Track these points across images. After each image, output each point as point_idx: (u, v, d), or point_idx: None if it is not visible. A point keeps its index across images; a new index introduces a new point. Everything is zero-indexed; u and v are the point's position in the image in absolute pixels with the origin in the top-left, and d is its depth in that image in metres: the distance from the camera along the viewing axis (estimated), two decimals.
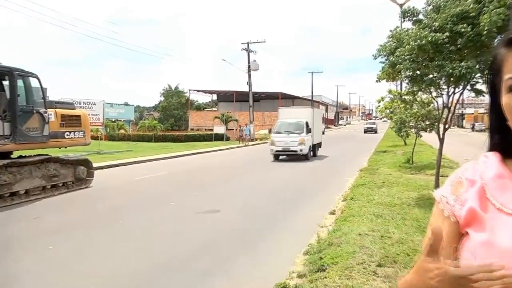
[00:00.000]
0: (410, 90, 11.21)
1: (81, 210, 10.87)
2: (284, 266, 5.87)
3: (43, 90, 12.47)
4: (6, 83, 11.98)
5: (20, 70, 11.79)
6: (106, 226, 9.01)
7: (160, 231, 8.50)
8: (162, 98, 79.52)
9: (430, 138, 20.65)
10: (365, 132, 59.20)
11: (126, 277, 5.88)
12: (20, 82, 11.74)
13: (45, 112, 12.36)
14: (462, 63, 8.48)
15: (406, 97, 13.23)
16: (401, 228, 7.25)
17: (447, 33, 8.50)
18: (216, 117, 48.55)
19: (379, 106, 22.76)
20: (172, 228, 8.70)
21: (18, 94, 11.59)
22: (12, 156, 11.94)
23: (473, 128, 65.96)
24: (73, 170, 13.39)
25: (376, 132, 57.63)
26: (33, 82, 12.18)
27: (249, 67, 46.15)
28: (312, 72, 77.64)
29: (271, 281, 5.26)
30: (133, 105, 71.84)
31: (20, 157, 12.07)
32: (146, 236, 8.13)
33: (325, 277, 5.16)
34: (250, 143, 39.96)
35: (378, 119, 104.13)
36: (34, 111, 12.04)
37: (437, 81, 9.81)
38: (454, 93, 10.19)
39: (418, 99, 12.62)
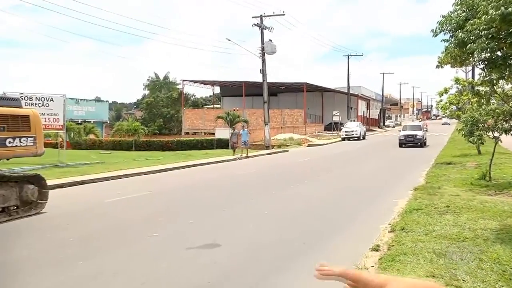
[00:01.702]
0: (487, 78, 10.84)
1: (28, 245, 10.67)
2: None
3: None
4: None
5: None
6: (63, 268, 8.76)
7: (136, 275, 8.29)
8: (147, 92, 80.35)
9: None
10: (400, 145, 43.48)
11: None
12: None
13: None
14: None
15: (480, 88, 12.89)
16: (475, 274, 7.00)
17: None
18: (219, 117, 48.60)
19: (441, 100, 22.37)
20: (154, 270, 8.51)
21: None
22: None
23: None
24: (17, 190, 13.24)
25: (421, 144, 43.72)
26: None
27: (262, 48, 45.97)
28: (348, 55, 77.52)
29: None
30: (107, 101, 72.42)
31: None
32: (116, 284, 7.93)
33: None
34: (252, 153, 38.81)
35: (439, 118, 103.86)
36: None
37: None
38: None
39: (499, 90, 12.24)
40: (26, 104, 17.66)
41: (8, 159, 13.86)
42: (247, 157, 35.04)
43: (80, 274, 8.50)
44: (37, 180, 13.95)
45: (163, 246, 10.21)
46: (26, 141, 13.86)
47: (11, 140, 13.33)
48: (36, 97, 27.19)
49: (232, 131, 36.49)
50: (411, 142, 42.73)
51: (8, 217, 12.75)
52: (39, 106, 24.95)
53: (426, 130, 59.59)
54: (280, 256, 9.42)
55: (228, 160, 32.98)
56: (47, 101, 28.26)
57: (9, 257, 9.92)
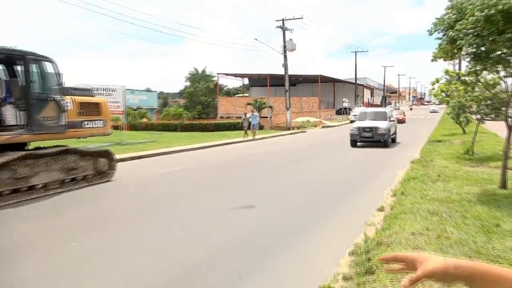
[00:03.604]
0: (472, 69, 10.85)
1: (103, 205, 11.10)
2: (328, 268, 5.86)
3: (59, 76, 12.62)
4: (19, 68, 12.21)
5: (33, 54, 11.99)
6: (130, 223, 9.17)
7: (190, 228, 8.59)
8: (188, 83, 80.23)
9: (494, 126, 20.14)
10: (353, 144, 24.60)
11: (150, 279, 5.87)
12: (34, 67, 11.98)
13: (62, 100, 12.60)
14: None
15: (467, 77, 12.86)
16: (460, 227, 7.07)
17: None
18: (248, 104, 48.49)
19: (433, 89, 22.23)
20: (203, 225, 8.79)
21: (32, 80, 11.82)
22: (27, 147, 12.20)
23: None
24: (93, 162, 13.59)
25: (385, 142, 23.93)
26: (48, 67, 12.38)
27: (284, 47, 45.85)
28: (355, 52, 76.55)
29: (314, 284, 5.26)
30: (156, 91, 72.63)
31: (36, 148, 12.36)
32: (174, 234, 8.22)
33: (374, 281, 5.13)
34: (275, 133, 38.52)
35: (431, 104, 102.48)
36: (50, 99, 12.31)
37: (507, 58, 9.46)
38: None
39: (482, 80, 12.23)
40: (96, 94, 17.93)
41: (85, 138, 14.14)
42: (254, 139, 32.58)
43: (157, 224, 8.95)
44: (108, 155, 14.29)
45: (211, 207, 10.43)
46: (98, 123, 14.15)
47: (87, 122, 13.65)
48: (103, 88, 27.69)
49: (244, 116, 35.53)
50: (368, 138, 23.98)
51: (87, 183, 13.14)
52: (105, 96, 25.44)
53: (403, 120, 49.32)
54: (301, 216, 9.66)
55: (248, 140, 31.79)
56: (111, 91, 28.74)
57: (99, 211, 10.42)
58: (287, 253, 6.82)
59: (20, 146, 11.78)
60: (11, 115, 11.47)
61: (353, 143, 24.60)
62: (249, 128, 33.61)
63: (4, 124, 11.34)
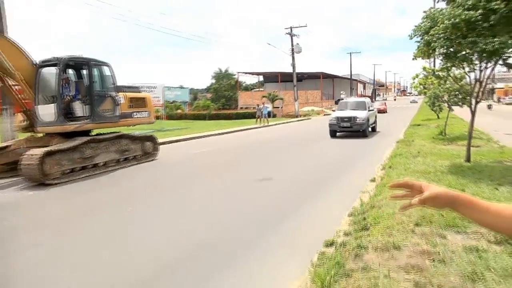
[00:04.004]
0: (444, 66, 10.96)
1: (150, 179, 11.37)
2: (331, 226, 6.00)
3: (114, 77, 12.99)
4: (84, 72, 12.61)
5: (95, 60, 12.37)
6: (173, 191, 9.45)
7: (223, 195, 8.85)
8: (214, 81, 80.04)
9: (462, 112, 20.08)
10: (332, 134, 20.77)
11: (199, 230, 6.25)
12: (95, 71, 12.36)
13: (116, 96, 12.94)
14: (495, 39, 8.30)
15: (440, 73, 12.96)
16: None
17: (480, 11, 8.27)
18: (263, 96, 48.46)
19: (413, 82, 22.24)
20: (234, 193, 9.05)
21: (94, 81, 12.21)
22: (91, 133, 12.60)
23: (498, 101, 65.61)
24: (141, 145, 13.93)
25: (364, 131, 20.23)
26: (106, 70, 12.75)
27: (292, 50, 45.89)
28: (350, 53, 76.30)
29: (321, 238, 5.41)
30: (187, 88, 72.59)
31: (98, 134, 12.71)
32: (212, 199, 8.48)
33: (369, 235, 5.31)
34: (285, 120, 38.46)
35: (413, 95, 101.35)
36: (107, 95, 12.65)
37: (470, 57, 9.58)
38: (486, 68, 9.95)
39: (452, 74, 12.35)
40: (141, 90, 18.24)
41: (134, 126, 14.43)
42: (268, 125, 32.57)
43: (196, 191, 9.21)
44: (152, 139, 14.56)
45: (237, 179, 10.60)
46: (144, 114, 14.42)
47: (135, 113, 13.98)
48: (146, 86, 28.15)
49: (257, 106, 35.51)
50: (347, 128, 20.35)
51: (136, 162, 13.45)
52: (148, 92, 25.82)
53: (385, 110, 45.99)
54: (309, 185, 9.94)
55: (261, 127, 31.75)
56: (152, 88, 29.29)
57: (147, 183, 10.64)
58: (298, 216, 7.02)
59: (86, 133, 12.20)
60: (79, 108, 11.91)
61: (332, 133, 20.68)
62: (261, 116, 33.59)
63: (74, 115, 11.80)
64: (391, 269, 4.22)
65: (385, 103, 51.78)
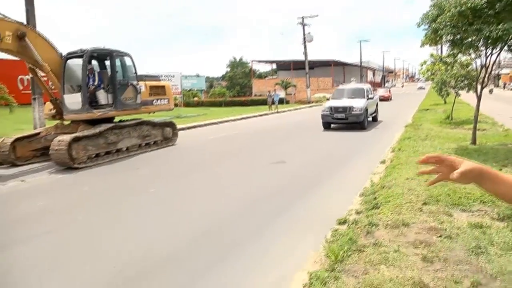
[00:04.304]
0: (451, 53, 10.89)
1: (170, 162, 11.50)
2: (344, 206, 6.09)
3: (135, 67, 13.11)
4: (107, 62, 12.75)
5: (117, 51, 12.49)
6: (193, 173, 9.60)
7: (241, 177, 9.01)
8: (229, 69, 79.87)
9: (468, 97, 19.88)
10: (326, 126, 17.58)
11: (219, 208, 6.41)
12: (117, 61, 12.47)
13: (137, 84, 13.05)
14: (500, 26, 8.21)
15: (446, 59, 12.87)
16: None
17: None
18: (276, 84, 48.28)
19: (421, 68, 22.02)
20: (250, 174, 9.18)
21: (116, 71, 12.35)
22: (114, 120, 12.79)
23: (504, 87, 64.67)
24: (161, 131, 14.07)
25: (361, 124, 16.91)
26: (127, 61, 12.86)
27: (304, 39, 45.64)
28: (360, 41, 75.27)
29: (333, 217, 5.51)
30: (203, 76, 72.64)
31: (120, 121, 12.89)
32: (231, 180, 8.63)
33: (379, 213, 5.40)
34: (297, 106, 38.11)
35: (420, 81, 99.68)
36: (129, 84, 12.76)
37: (476, 44, 9.51)
38: (491, 54, 9.87)
39: (458, 61, 12.25)
40: (161, 79, 18.33)
41: (154, 113, 14.50)
42: (278, 112, 31.87)
43: (213, 174, 9.36)
44: (172, 125, 14.68)
45: (252, 162, 10.75)
46: (164, 101, 14.55)
47: (155, 100, 14.14)
48: (164, 75, 28.16)
49: (268, 93, 35.22)
50: (341, 120, 17.12)
51: (157, 147, 13.61)
52: (167, 80, 25.92)
53: (389, 97, 42.26)
54: (321, 167, 9.99)
55: (273, 113, 31.43)
56: (171, 77, 29.23)
57: (167, 166, 10.73)
58: (311, 196, 7.14)
59: (109, 120, 12.36)
60: (103, 97, 12.08)
61: (326, 125, 17.66)
62: (273, 103, 33.41)
63: (98, 104, 11.98)
64: (400, 244, 4.32)
65: (389, 90, 46.92)
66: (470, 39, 9.32)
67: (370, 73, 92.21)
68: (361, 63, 73.64)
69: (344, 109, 16.94)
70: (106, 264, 4.55)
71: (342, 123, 17.35)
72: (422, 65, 20.33)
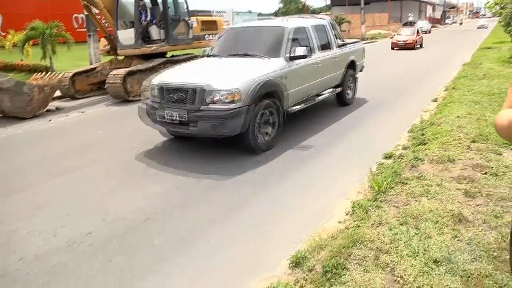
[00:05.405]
0: None
1: None
2: (391, 141, 6.09)
3: (187, 2, 13.08)
4: None
5: None
6: None
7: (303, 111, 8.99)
8: (281, 5, 77.90)
9: None
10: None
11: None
12: None
13: (189, 20, 13.06)
14: None
15: None
16: (497, 112, 6.95)
17: None
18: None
19: (488, 2, 20.35)
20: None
21: (168, 6, 12.37)
22: (167, 55, 13.00)
23: None
24: None
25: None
26: None
27: None
28: None
29: (380, 152, 5.57)
30: (255, 13, 71.18)
31: (173, 56, 13.07)
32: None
33: (426, 149, 5.38)
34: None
35: (486, 17, 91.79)
36: (181, 19, 12.79)
37: None
38: None
39: None
40: (212, 15, 18.23)
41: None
42: None
43: None
44: None
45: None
46: (215, 36, 14.62)
47: (207, 35, 14.09)
48: (216, 11, 28.00)
49: None
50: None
51: None
52: (218, 16, 25.75)
53: (415, 44, 25.32)
54: (376, 105, 9.81)
55: None
56: (222, 13, 29.05)
57: None
58: (361, 131, 7.14)
59: (162, 54, 12.57)
60: (155, 32, 12.26)
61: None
62: None
63: (151, 39, 12.19)
64: (444, 179, 4.33)
65: (416, 31, 27.77)
66: None
67: (429, 8, 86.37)
68: None
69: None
70: (165, 184, 4.91)
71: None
72: None
